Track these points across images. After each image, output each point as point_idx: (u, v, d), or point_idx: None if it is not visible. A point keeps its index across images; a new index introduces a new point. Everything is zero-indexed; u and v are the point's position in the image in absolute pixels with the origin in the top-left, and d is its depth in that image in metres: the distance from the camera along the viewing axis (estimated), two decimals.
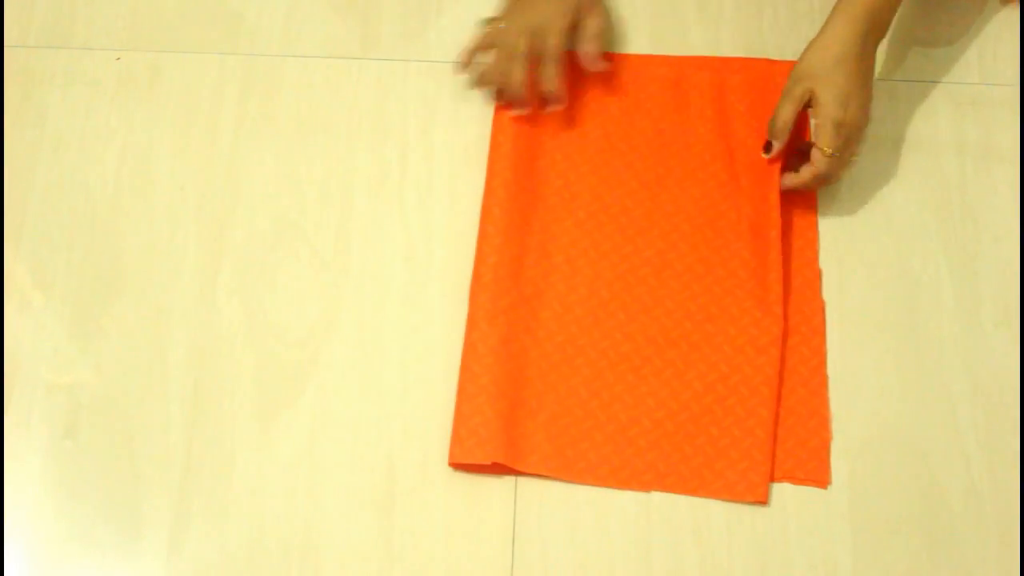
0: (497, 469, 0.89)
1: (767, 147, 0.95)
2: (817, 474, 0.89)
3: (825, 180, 0.95)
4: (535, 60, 0.97)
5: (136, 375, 0.93)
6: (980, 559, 0.87)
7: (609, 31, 1.03)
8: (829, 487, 0.89)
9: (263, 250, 0.97)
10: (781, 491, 0.89)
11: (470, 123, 1.02)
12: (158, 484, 0.89)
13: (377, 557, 0.87)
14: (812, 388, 0.91)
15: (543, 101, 0.99)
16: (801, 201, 0.98)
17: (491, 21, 1.00)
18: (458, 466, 0.89)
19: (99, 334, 0.94)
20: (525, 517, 0.88)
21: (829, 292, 0.95)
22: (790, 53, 1.05)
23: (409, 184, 1.00)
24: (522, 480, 0.89)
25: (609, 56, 1.03)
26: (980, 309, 0.95)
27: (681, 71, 1.03)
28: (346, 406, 0.92)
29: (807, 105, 0.93)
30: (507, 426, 0.89)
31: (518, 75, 0.96)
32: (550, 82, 0.97)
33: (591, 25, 0.97)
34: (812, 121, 0.93)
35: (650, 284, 0.95)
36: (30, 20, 1.07)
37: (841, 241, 0.97)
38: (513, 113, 0.99)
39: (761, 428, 0.89)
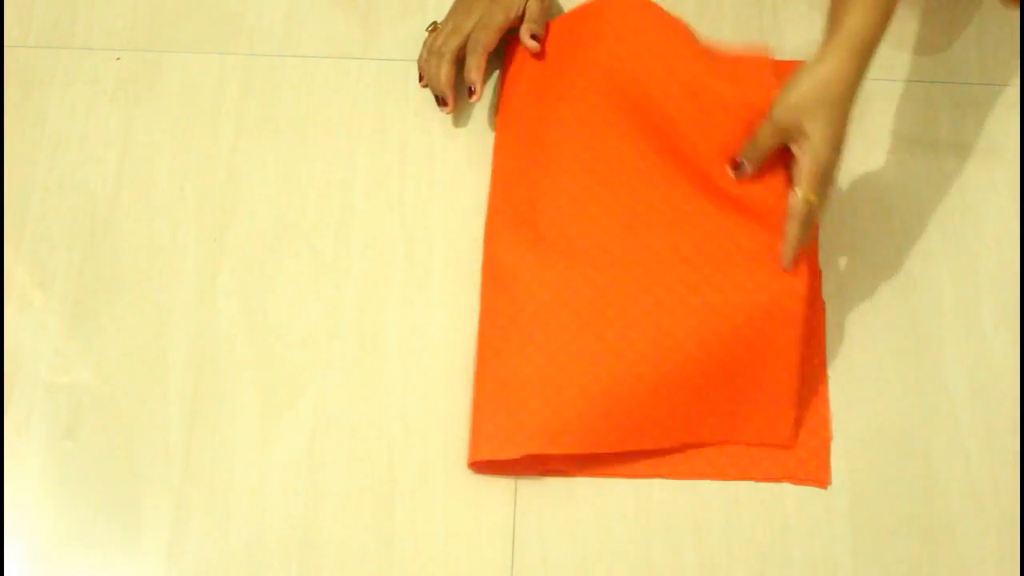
0: (507, 468, 0.89)
1: (737, 166, 0.88)
2: (817, 474, 0.89)
3: (810, 227, 0.85)
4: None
5: (136, 375, 0.93)
6: (980, 559, 0.87)
7: (548, 13, 1.02)
8: (829, 487, 0.89)
9: (263, 250, 0.97)
10: (781, 491, 0.89)
11: (471, 122, 1.02)
12: (158, 484, 0.89)
13: (377, 557, 0.87)
14: (812, 388, 0.91)
15: (469, 93, 0.99)
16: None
17: (433, 27, 1.02)
18: (476, 464, 0.89)
19: (99, 334, 0.94)
20: (525, 517, 0.88)
21: (829, 292, 0.95)
22: (789, 53, 1.05)
23: (409, 184, 1.00)
24: (522, 480, 0.89)
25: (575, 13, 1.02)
26: (980, 309, 0.95)
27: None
28: (346, 406, 0.92)
29: (792, 139, 0.84)
30: (533, 414, 0.88)
31: (442, 73, 0.99)
32: (468, 73, 0.98)
33: (531, 8, 1.00)
34: (798, 159, 0.84)
35: (681, 271, 0.90)
36: (30, 20, 1.07)
37: (841, 241, 0.97)
38: (441, 110, 1.00)
39: (788, 374, 0.87)
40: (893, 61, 1.05)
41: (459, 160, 1.01)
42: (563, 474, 0.89)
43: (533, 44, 1.00)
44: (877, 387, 0.92)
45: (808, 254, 0.88)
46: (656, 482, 0.89)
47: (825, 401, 0.91)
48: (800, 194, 0.83)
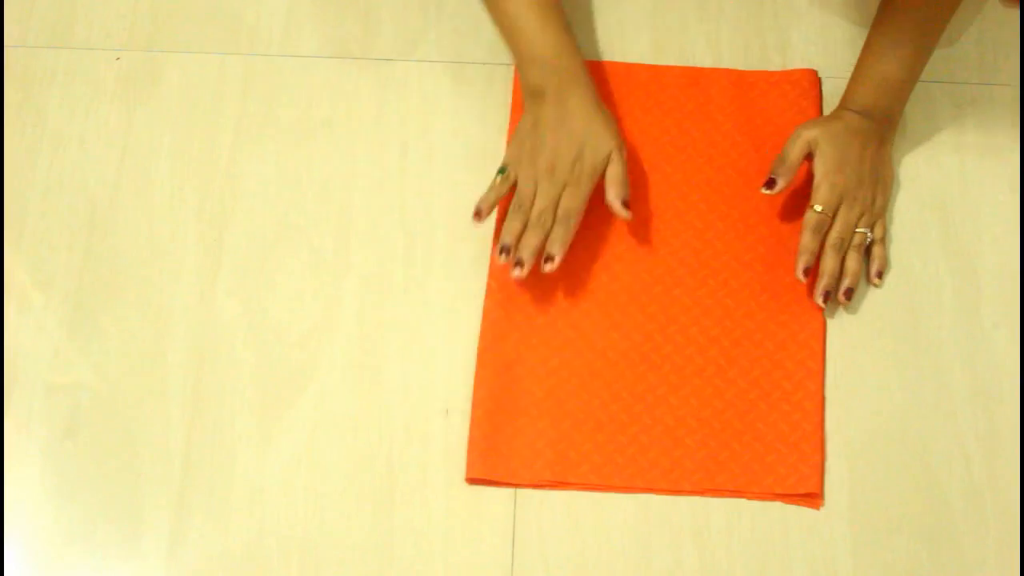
0: (505, 483, 0.89)
1: (769, 183, 0.94)
2: (810, 492, 0.88)
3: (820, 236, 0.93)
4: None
5: (136, 375, 0.93)
6: (980, 559, 0.87)
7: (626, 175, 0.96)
8: (829, 487, 0.89)
9: (263, 250, 0.97)
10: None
11: (470, 123, 1.02)
12: (158, 484, 0.89)
13: (377, 557, 0.87)
14: (807, 411, 0.91)
15: (547, 260, 0.91)
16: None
17: (508, 175, 0.94)
18: (475, 481, 0.89)
19: (99, 334, 0.94)
20: (525, 517, 0.88)
21: None
22: (791, 53, 1.05)
23: (409, 184, 1.00)
24: None
25: (633, 67, 1.04)
26: (980, 309, 0.95)
27: (700, 73, 1.04)
28: (346, 406, 0.92)
29: (810, 155, 0.94)
30: (554, 441, 0.90)
31: (534, 244, 0.91)
32: (554, 245, 0.90)
33: (611, 172, 0.92)
34: (814, 173, 0.94)
35: (687, 285, 0.95)
36: (30, 20, 1.07)
37: None
38: (513, 274, 0.91)
39: (808, 421, 0.90)
40: None
41: (459, 160, 1.01)
42: (561, 488, 0.89)
43: (625, 213, 0.92)
44: (877, 387, 0.92)
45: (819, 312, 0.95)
46: None
47: (820, 424, 0.90)
48: (810, 207, 0.93)
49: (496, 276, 0.95)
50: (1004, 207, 0.99)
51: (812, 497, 0.88)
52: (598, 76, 1.03)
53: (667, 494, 0.89)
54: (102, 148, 1.01)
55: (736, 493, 0.89)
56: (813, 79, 1.03)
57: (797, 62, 1.05)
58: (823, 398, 0.91)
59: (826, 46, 1.05)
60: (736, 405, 0.91)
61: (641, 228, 0.97)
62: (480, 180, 0.99)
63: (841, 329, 0.94)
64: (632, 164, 0.99)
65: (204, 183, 1.00)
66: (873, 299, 0.95)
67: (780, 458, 0.89)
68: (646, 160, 1.00)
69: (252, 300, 0.95)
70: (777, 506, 0.89)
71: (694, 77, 1.03)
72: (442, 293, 0.96)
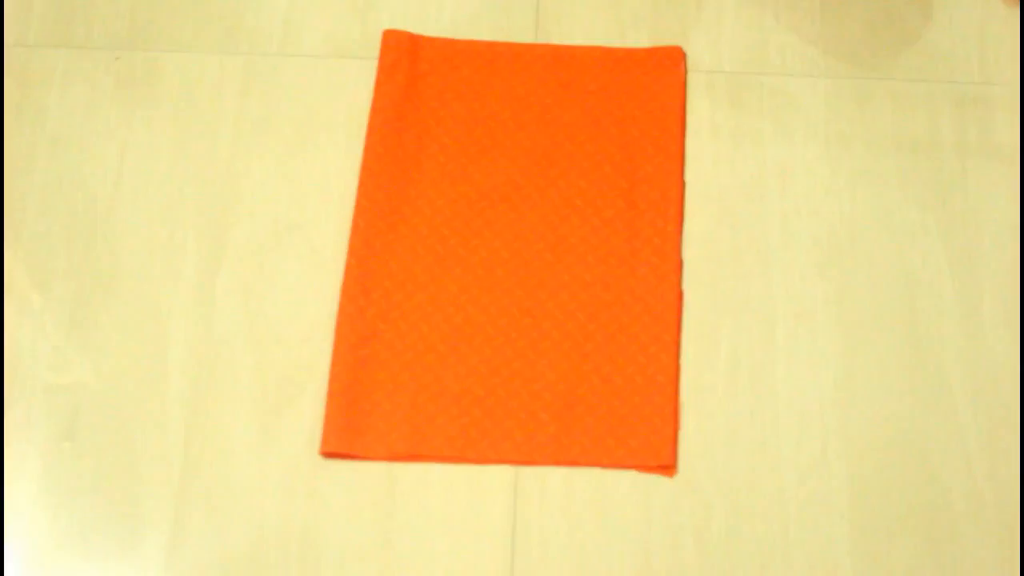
0: (368, 456, 0.89)
1: None
2: (664, 462, 0.89)
3: None
4: None
5: (136, 375, 0.93)
6: (980, 559, 0.87)
7: None
8: (829, 486, 0.89)
9: (263, 250, 0.97)
10: (780, 491, 0.89)
11: None
12: (158, 484, 0.89)
13: (377, 557, 0.87)
14: (660, 384, 0.91)
15: None
16: (665, 197, 0.98)
17: None
18: (331, 454, 0.89)
19: (98, 334, 0.94)
20: (525, 516, 0.88)
21: (829, 291, 0.96)
22: (791, 53, 1.05)
23: None
24: (522, 479, 0.90)
25: (498, 46, 1.04)
26: (980, 309, 0.95)
27: (565, 51, 1.04)
28: None
29: None
30: (410, 415, 0.90)
31: None
32: None
33: None
34: None
35: (545, 259, 0.96)
36: (30, 20, 1.07)
37: (841, 241, 0.97)
38: None
39: (661, 394, 0.91)
40: (893, 61, 1.05)
41: None
42: (415, 461, 0.90)
43: None
44: (877, 387, 0.92)
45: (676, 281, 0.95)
46: (656, 482, 0.89)
47: (675, 394, 0.91)
48: None
49: (355, 252, 0.95)
50: (1004, 207, 0.99)
51: (666, 468, 0.89)
52: (463, 56, 1.03)
53: (521, 465, 0.89)
54: (101, 148, 1.01)
55: (590, 465, 0.89)
56: (678, 56, 1.04)
57: (797, 62, 1.05)
58: (677, 370, 0.92)
59: (827, 47, 1.05)
60: (591, 379, 0.92)
61: (501, 203, 0.98)
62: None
63: (841, 328, 0.94)
64: (492, 141, 1.00)
65: (204, 183, 1.00)
66: (873, 299, 0.95)
67: (633, 431, 0.90)
68: (508, 138, 1.00)
69: (252, 300, 0.95)
70: (776, 506, 0.88)
71: (559, 55, 1.04)
72: None
